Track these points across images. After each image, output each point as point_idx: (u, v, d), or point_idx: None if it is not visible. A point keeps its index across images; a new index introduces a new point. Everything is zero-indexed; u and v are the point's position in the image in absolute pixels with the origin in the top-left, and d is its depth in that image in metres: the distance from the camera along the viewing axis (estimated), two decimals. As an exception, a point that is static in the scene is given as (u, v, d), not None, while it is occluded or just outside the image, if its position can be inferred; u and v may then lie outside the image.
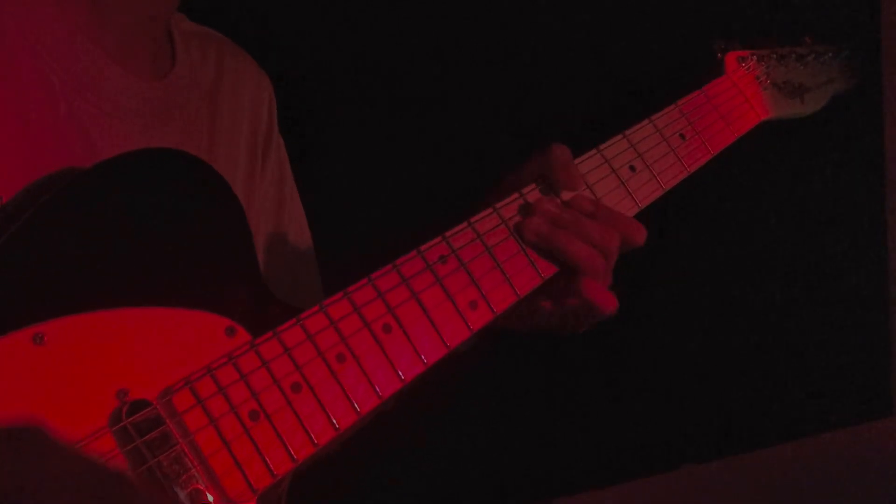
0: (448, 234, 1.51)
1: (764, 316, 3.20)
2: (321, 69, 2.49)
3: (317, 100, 2.44)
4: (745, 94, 1.89)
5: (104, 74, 1.53)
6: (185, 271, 1.36)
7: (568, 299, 1.61)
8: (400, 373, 1.42)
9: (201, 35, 1.80)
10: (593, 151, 1.67)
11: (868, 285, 3.38)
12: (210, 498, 1.26)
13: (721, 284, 3.12)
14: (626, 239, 1.61)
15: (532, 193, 1.60)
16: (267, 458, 1.32)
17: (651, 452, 2.91)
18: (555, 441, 2.85)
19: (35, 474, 1.08)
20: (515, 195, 1.58)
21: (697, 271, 3.07)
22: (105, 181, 1.34)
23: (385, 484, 2.54)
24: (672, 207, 2.35)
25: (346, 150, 2.50)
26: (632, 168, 1.69)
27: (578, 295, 1.58)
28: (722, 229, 3.11)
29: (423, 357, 1.44)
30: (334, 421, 1.36)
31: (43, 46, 1.47)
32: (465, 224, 1.53)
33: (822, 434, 3.19)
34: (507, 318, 1.60)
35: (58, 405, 1.21)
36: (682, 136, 1.76)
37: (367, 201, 2.51)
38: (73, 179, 1.32)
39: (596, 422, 2.90)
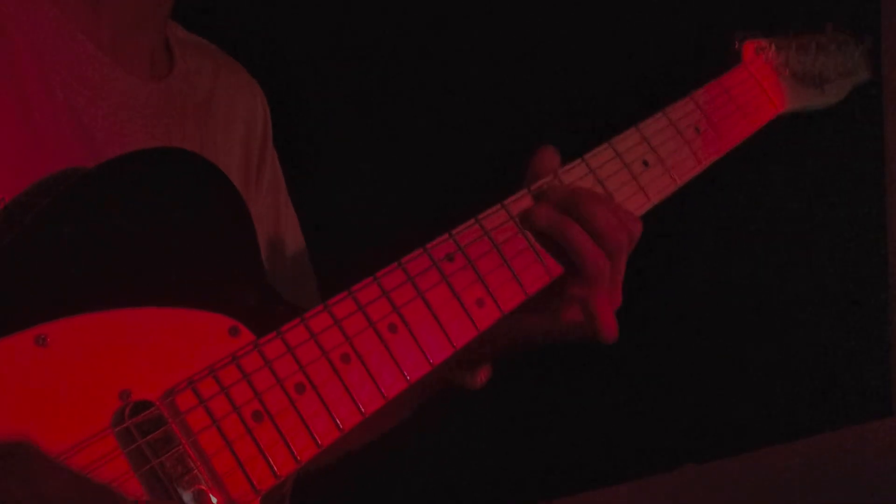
0: (454, 231, 1.50)
1: (764, 316, 3.20)
2: (322, 64, 2.48)
3: (320, 97, 2.44)
4: (763, 84, 1.85)
5: (103, 73, 1.53)
6: (189, 271, 1.35)
7: (566, 312, 1.58)
8: (405, 373, 1.41)
9: (198, 45, 1.80)
10: (605, 145, 1.64)
11: (868, 285, 3.38)
12: (213, 499, 1.25)
13: (721, 284, 3.12)
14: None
15: (541, 188, 1.58)
16: (270, 459, 1.31)
17: (651, 452, 2.91)
18: (555, 441, 2.85)
19: (21, 493, 1.08)
20: (524, 190, 1.56)
21: (698, 271, 3.07)
22: (109, 181, 1.34)
23: (386, 484, 2.54)
24: (672, 207, 2.34)
25: (351, 148, 2.50)
26: (645, 163, 1.65)
27: (584, 306, 1.54)
28: (722, 229, 3.11)
29: (429, 357, 1.43)
30: (338, 422, 1.36)
31: (43, 45, 1.46)
32: (471, 221, 1.51)
33: (822, 434, 3.19)
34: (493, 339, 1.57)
35: (60, 406, 1.21)
36: (697, 130, 1.72)
37: (372, 199, 2.51)
38: (77, 180, 1.32)
39: (596, 422, 2.90)
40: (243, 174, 1.79)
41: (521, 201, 1.56)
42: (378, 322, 1.41)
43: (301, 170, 1.91)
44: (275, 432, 1.32)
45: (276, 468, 1.31)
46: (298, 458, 1.33)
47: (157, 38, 1.67)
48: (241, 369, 1.32)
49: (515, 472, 2.81)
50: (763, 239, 3.19)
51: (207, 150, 1.69)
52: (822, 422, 3.22)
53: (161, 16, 1.64)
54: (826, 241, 3.28)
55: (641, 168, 1.65)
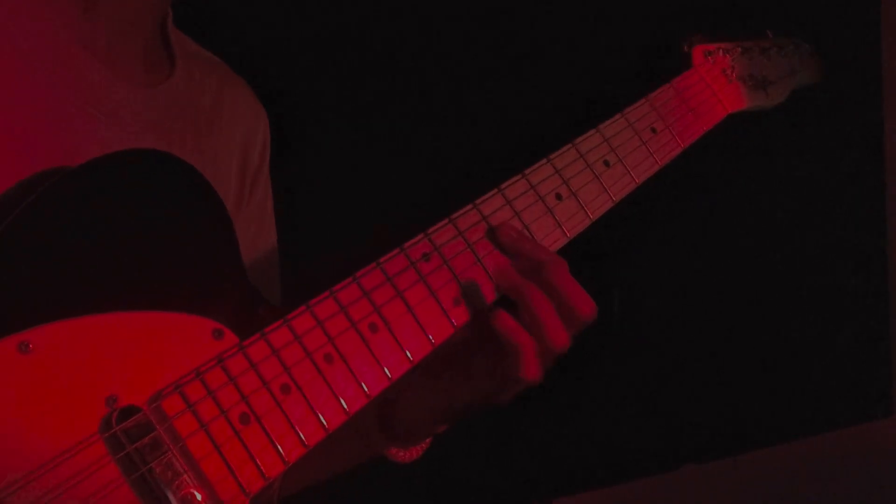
0: (430, 231, 1.51)
1: (764, 316, 3.21)
2: (302, 71, 2.49)
3: (299, 101, 2.45)
4: (713, 87, 1.91)
5: (89, 75, 1.50)
6: (171, 274, 1.35)
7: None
8: (387, 371, 1.42)
9: (206, 60, 1.78)
10: (568, 146, 1.67)
11: (868, 285, 3.39)
12: (201, 501, 1.26)
13: (721, 284, 3.13)
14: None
15: (510, 188, 1.60)
16: (258, 461, 1.32)
17: (651, 452, 2.91)
18: (555, 441, 2.86)
19: None
20: (494, 190, 1.58)
21: (697, 272, 3.08)
22: (90, 182, 1.32)
23: (382, 484, 2.53)
24: (672, 207, 2.35)
25: (326, 149, 2.50)
26: (606, 163, 1.69)
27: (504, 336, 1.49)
28: (722, 230, 3.12)
29: (409, 355, 1.44)
30: (324, 421, 1.37)
31: (28, 45, 1.44)
32: (445, 221, 1.53)
33: (822, 434, 3.19)
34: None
35: (47, 414, 1.20)
36: (654, 130, 1.77)
37: (350, 200, 2.52)
38: (58, 180, 1.30)
39: (596, 422, 2.90)
40: (237, 193, 1.79)
41: (492, 201, 1.58)
42: (359, 322, 1.42)
43: (278, 171, 1.92)
44: (262, 434, 1.33)
45: (264, 470, 1.32)
46: (286, 458, 1.33)
47: (153, 43, 1.64)
48: (226, 372, 1.33)
49: (516, 473, 2.82)
50: (763, 239, 3.20)
51: (206, 164, 1.65)
52: (822, 422, 3.23)
53: (155, 20, 1.62)
54: (826, 240, 3.30)
55: (603, 168, 1.68)
